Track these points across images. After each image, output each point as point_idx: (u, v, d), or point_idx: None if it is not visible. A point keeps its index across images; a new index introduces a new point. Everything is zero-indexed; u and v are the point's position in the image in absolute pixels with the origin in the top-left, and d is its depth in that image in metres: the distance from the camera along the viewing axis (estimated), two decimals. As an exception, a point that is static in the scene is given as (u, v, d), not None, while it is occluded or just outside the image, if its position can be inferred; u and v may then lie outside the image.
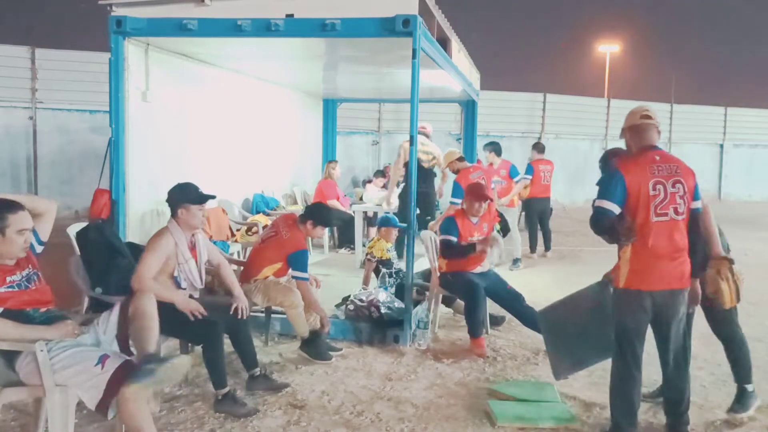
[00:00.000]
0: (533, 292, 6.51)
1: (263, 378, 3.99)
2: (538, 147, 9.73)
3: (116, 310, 3.22)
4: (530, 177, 9.36)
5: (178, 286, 3.85)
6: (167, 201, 3.93)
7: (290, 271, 4.70)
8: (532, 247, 9.52)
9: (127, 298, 3.26)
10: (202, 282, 3.97)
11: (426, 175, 7.80)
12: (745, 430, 3.65)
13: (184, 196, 3.86)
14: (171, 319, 3.58)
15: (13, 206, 3.02)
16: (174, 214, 3.88)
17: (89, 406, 2.85)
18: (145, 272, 3.67)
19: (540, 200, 9.45)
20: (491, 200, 5.32)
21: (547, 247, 9.60)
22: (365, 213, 8.65)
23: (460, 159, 7.36)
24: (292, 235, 4.69)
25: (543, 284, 7.42)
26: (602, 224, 3.29)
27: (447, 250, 5.09)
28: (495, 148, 8.82)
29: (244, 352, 3.95)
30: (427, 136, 8.02)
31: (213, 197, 4.03)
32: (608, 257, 9.40)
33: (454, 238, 5.06)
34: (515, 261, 8.53)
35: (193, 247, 3.92)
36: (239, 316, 3.93)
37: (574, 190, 17.86)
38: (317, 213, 4.86)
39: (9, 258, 3.02)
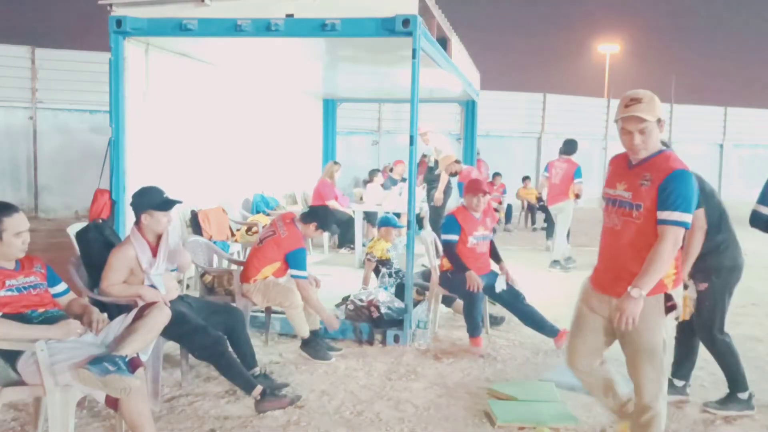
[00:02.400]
0: (533, 292, 6.51)
1: (263, 378, 3.98)
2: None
3: (131, 315, 3.21)
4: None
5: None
6: (131, 205, 3.84)
7: (289, 269, 4.69)
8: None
9: (144, 307, 3.25)
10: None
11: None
12: (744, 429, 3.65)
13: (149, 202, 3.75)
14: (177, 328, 3.57)
15: (8, 209, 3.01)
16: (137, 221, 3.78)
17: (99, 400, 2.89)
18: (104, 285, 3.66)
19: None
20: (487, 193, 5.32)
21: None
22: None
23: (457, 161, 7.51)
24: (290, 234, 4.69)
25: (543, 283, 7.41)
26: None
27: (447, 250, 5.10)
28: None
29: (242, 352, 3.92)
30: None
31: (179, 202, 3.92)
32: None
33: (454, 237, 5.06)
34: (556, 262, 8.49)
35: (155, 254, 3.80)
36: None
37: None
38: (323, 217, 4.86)
39: (7, 260, 3.02)
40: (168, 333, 3.48)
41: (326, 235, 8.76)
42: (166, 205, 3.79)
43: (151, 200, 3.76)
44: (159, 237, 3.83)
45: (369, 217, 8.89)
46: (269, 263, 4.68)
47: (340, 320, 4.83)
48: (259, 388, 3.69)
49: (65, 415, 2.88)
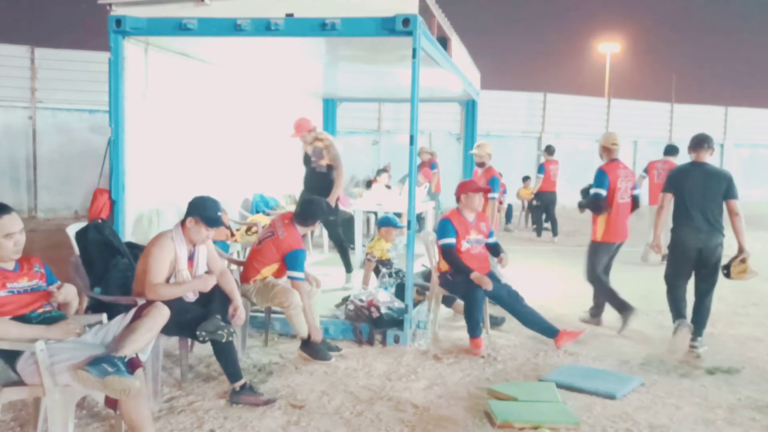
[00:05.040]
0: (533, 292, 6.51)
1: (249, 389, 3.91)
2: (549, 149, 11.83)
3: (130, 315, 3.20)
4: (543, 175, 11.49)
5: None
6: (188, 204, 3.89)
7: (286, 271, 4.67)
8: (539, 233, 11.76)
9: (143, 306, 3.25)
10: (195, 293, 3.91)
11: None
12: (745, 429, 3.65)
13: (201, 212, 3.79)
14: (182, 319, 3.58)
15: (1, 210, 2.98)
16: (183, 220, 3.84)
17: (99, 400, 2.90)
18: (153, 279, 3.66)
19: (548, 194, 11.48)
20: (489, 191, 5.41)
21: (555, 233, 11.39)
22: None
23: (489, 155, 7.32)
24: (288, 235, 4.68)
25: (543, 284, 7.41)
26: (597, 203, 5.56)
27: (447, 255, 5.10)
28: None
29: (222, 366, 3.90)
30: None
31: (225, 225, 4.01)
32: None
33: (452, 241, 5.07)
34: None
35: (191, 257, 3.86)
36: (234, 322, 3.91)
37: (574, 189, 17.81)
38: (312, 209, 4.82)
39: (1, 261, 3.00)
40: (170, 328, 3.46)
41: (326, 234, 8.77)
42: (213, 222, 3.81)
43: (203, 210, 3.80)
44: (195, 245, 3.87)
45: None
46: (268, 264, 4.66)
47: (323, 331, 4.78)
48: (242, 381, 3.80)
49: (65, 415, 2.87)
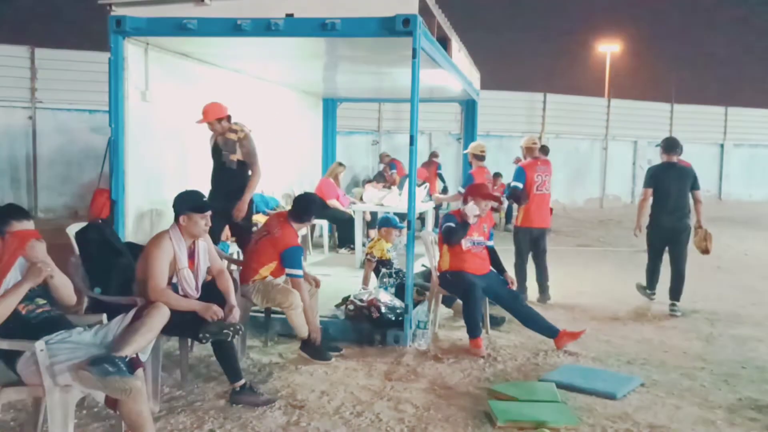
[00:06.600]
0: (533, 292, 6.51)
1: (249, 390, 3.91)
2: (543, 149, 11.56)
3: (130, 315, 3.20)
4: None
5: (175, 291, 3.79)
6: (173, 207, 3.90)
7: (284, 269, 4.67)
8: None
9: (143, 307, 3.25)
10: (198, 290, 3.90)
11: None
12: (745, 430, 3.65)
13: (187, 204, 3.82)
14: (182, 320, 3.58)
15: (19, 214, 3.01)
16: (176, 221, 3.85)
17: (99, 400, 2.90)
18: (158, 284, 3.66)
19: None
20: (500, 202, 5.50)
21: None
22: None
23: (482, 157, 7.35)
24: (284, 233, 4.66)
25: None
26: (516, 194, 6.49)
27: (447, 236, 5.13)
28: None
29: (223, 365, 3.91)
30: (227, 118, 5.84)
31: (214, 208, 4.02)
32: (607, 256, 9.42)
33: (453, 224, 5.13)
34: None
35: (191, 255, 3.87)
36: (230, 326, 3.79)
37: (574, 190, 17.85)
38: (306, 206, 4.81)
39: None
40: (171, 329, 3.46)
41: (326, 234, 8.78)
42: (201, 207, 3.83)
43: (189, 201, 3.84)
44: (194, 241, 3.88)
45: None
46: (266, 264, 4.65)
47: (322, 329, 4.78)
48: (242, 381, 3.82)
49: (65, 416, 2.87)
